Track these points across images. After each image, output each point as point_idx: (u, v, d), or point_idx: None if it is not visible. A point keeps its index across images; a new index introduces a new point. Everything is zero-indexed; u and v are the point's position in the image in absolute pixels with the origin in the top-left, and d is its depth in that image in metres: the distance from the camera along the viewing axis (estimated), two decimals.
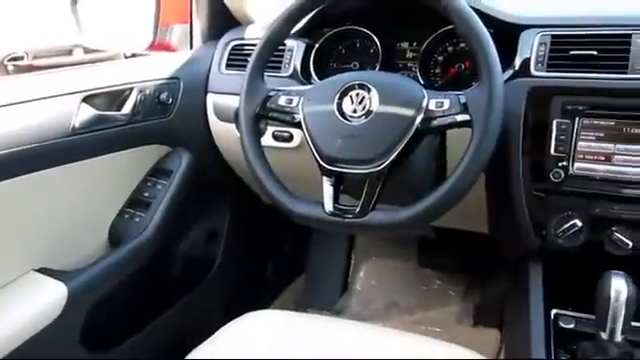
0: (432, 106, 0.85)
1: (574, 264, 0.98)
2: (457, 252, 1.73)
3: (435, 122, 0.85)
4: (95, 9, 1.30)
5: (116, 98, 1.19)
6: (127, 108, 1.19)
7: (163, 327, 1.36)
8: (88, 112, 1.12)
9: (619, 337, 0.84)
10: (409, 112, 0.85)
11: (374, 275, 1.87)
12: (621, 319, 0.82)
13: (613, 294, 0.82)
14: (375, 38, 1.17)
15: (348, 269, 1.91)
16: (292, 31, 0.99)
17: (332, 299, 1.83)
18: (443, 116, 0.84)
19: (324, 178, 0.90)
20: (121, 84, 1.19)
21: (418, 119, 0.84)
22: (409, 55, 1.19)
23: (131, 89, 1.20)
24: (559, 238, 0.95)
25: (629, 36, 0.90)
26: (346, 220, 0.87)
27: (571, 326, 0.96)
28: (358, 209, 0.86)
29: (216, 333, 0.99)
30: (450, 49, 1.14)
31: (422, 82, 1.12)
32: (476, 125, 0.81)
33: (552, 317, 0.99)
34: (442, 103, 0.84)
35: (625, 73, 0.89)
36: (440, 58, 1.15)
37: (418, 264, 1.81)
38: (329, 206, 0.88)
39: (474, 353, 0.92)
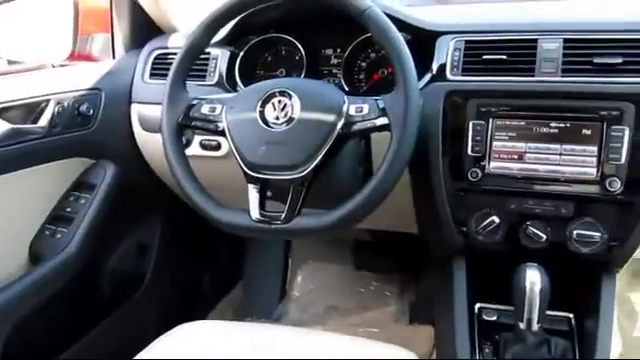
0: (352, 111, 0.87)
1: (495, 259, 1.02)
2: (392, 253, 1.77)
3: (355, 127, 0.86)
4: (11, 19, 1.25)
5: (32, 111, 1.15)
6: (44, 121, 1.15)
7: (94, 343, 1.32)
8: (2, 126, 1.07)
9: (536, 326, 0.88)
10: (330, 118, 0.86)
11: (312, 279, 1.88)
12: (537, 309, 0.87)
13: (528, 285, 0.87)
14: (299, 45, 1.19)
15: (286, 275, 1.91)
16: (213, 40, 0.99)
17: (270, 306, 1.82)
18: (363, 120, 0.86)
19: (249, 185, 0.90)
20: (37, 96, 1.14)
21: (339, 124, 0.86)
22: (333, 61, 1.21)
23: (48, 101, 1.15)
24: (479, 235, 0.99)
25: (535, 41, 0.95)
26: (272, 226, 0.87)
27: (493, 318, 1.00)
28: (284, 215, 0.86)
29: (151, 344, 0.97)
30: (373, 55, 1.17)
31: (346, 88, 1.15)
32: (394, 128, 0.83)
33: (476, 311, 1.03)
34: (362, 108, 0.86)
35: (533, 76, 0.94)
36: (363, 64, 1.18)
37: (355, 266, 1.84)
38: (255, 213, 0.88)
39: (407, 352, 0.94)
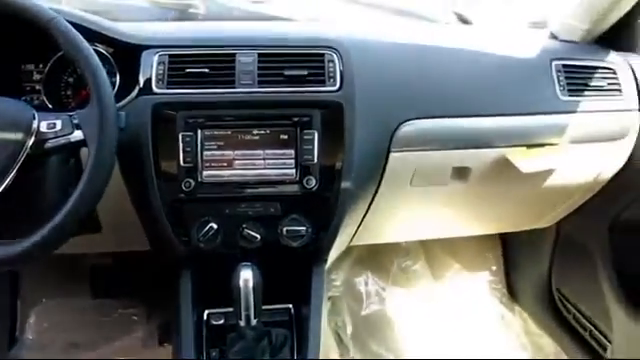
0: (43, 128, 0.81)
1: (219, 263, 1.05)
2: (132, 275, 1.70)
3: (49, 144, 0.81)
4: None
5: None
6: None
7: None
8: None
9: (254, 321, 0.94)
10: (16, 136, 0.79)
11: (47, 318, 1.69)
12: (252, 305, 0.92)
13: (242, 283, 0.92)
14: None
15: (15, 320, 1.68)
16: None
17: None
18: (56, 137, 0.81)
19: None
20: None
21: (28, 143, 0.79)
22: (36, 77, 1.11)
23: None
24: (201, 242, 1.01)
25: (233, 55, 1.02)
26: None
27: (221, 322, 1.04)
28: None
29: None
30: (79, 70, 1.11)
31: (50, 105, 1.07)
32: (90, 144, 0.80)
33: (205, 317, 1.05)
34: (54, 124, 0.81)
35: (233, 87, 1.00)
36: (70, 79, 1.11)
37: (93, 296, 1.71)
38: None
39: None
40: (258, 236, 1.02)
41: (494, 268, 1.91)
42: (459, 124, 1.12)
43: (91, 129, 0.80)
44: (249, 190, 1.01)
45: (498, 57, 1.20)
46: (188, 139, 0.98)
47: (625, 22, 1.27)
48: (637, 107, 1.23)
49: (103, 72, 0.83)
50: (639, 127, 1.23)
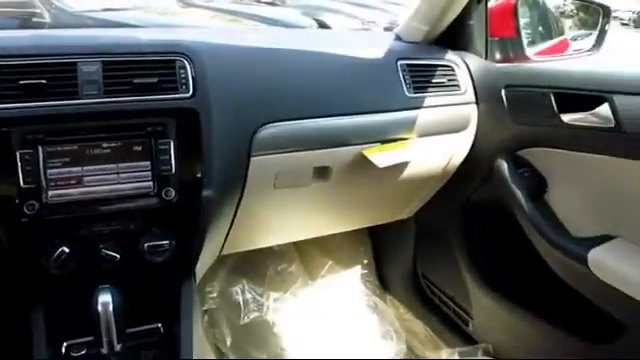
0: None
1: (76, 289, 0.97)
2: None
3: None
4: None
5: None
6: None
7: None
8: None
9: (118, 347, 0.88)
10: None
11: None
12: (114, 330, 0.87)
13: (101, 308, 0.86)
14: None
15: None
16: None
17: None
18: None
19: None
20: None
21: None
22: None
23: None
24: (52, 269, 0.92)
25: (74, 64, 0.95)
26: None
27: (82, 352, 0.96)
28: None
29: None
30: None
31: None
32: None
33: (64, 351, 0.97)
34: None
35: (76, 98, 0.93)
36: None
37: None
38: None
39: None
40: (117, 255, 0.96)
41: (366, 261, 1.99)
42: (316, 124, 1.15)
43: None
44: (103, 207, 0.95)
45: (350, 59, 1.25)
46: (28, 157, 0.90)
47: (459, 23, 1.40)
48: (474, 100, 1.35)
49: None
50: (477, 118, 1.35)
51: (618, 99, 1.04)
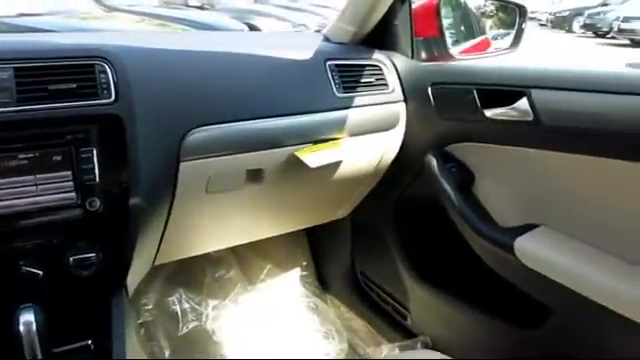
0: None
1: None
2: None
3: None
4: None
5: None
6: None
7: None
8: None
9: None
10: None
11: None
12: (39, 350, 0.82)
13: (23, 328, 0.81)
14: None
15: None
16: None
17: None
18: None
19: None
20: None
21: None
22: None
23: None
24: None
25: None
26: None
27: None
28: None
29: None
30: None
31: None
32: None
33: None
34: None
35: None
36: None
37: None
38: None
39: None
40: (40, 272, 0.91)
41: (304, 263, 1.99)
42: (247, 127, 1.14)
43: None
44: (23, 221, 0.89)
45: (279, 60, 1.25)
46: None
47: (385, 24, 1.42)
48: (402, 98, 1.38)
49: None
50: (406, 116, 1.38)
51: (535, 93, 1.09)
